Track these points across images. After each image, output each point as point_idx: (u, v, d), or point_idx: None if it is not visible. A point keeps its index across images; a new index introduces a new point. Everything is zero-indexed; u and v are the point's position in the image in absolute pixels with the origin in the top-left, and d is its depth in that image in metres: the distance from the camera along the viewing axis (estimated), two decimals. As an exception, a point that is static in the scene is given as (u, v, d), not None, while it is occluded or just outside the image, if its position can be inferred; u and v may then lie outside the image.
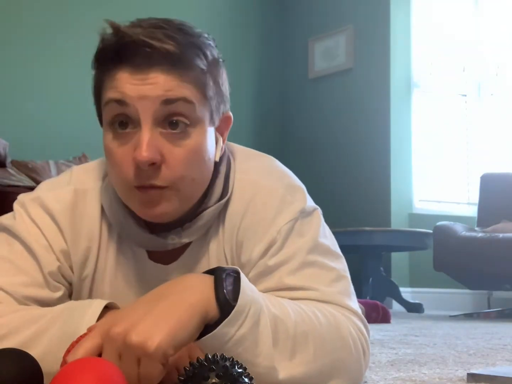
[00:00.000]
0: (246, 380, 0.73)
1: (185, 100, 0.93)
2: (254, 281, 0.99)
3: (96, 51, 0.96)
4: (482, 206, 4.41)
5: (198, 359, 0.73)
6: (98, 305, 0.91)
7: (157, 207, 0.95)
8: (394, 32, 4.87)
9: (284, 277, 1.00)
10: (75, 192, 1.07)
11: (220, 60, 1.01)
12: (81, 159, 3.89)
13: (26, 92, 4.15)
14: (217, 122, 1.01)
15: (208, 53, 0.97)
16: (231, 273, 0.86)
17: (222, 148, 1.04)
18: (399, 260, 4.76)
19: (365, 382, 1.19)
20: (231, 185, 1.05)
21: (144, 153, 0.90)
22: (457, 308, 4.65)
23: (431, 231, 4.05)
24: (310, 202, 1.07)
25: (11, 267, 1.01)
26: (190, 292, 0.82)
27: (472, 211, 4.82)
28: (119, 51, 0.92)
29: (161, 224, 1.01)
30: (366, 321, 1.04)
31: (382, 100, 4.85)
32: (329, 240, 1.07)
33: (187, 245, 1.06)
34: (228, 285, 0.84)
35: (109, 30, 0.93)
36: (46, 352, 0.88)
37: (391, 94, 4.82)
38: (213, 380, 0.70)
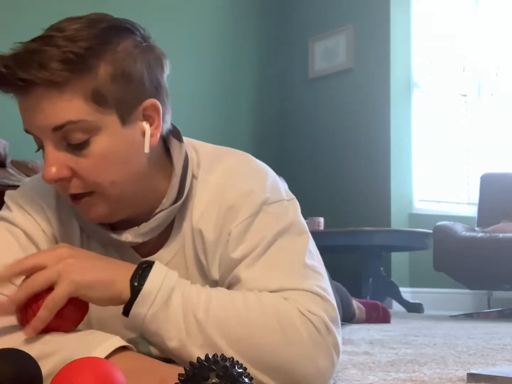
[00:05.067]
0: (246, 380, 0.73)
1: (71, 122, 0.95)
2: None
3: None
4: (482, 206, 4.41)
5: (198, 359, 0.72)
6: (113, 343, 0.90)
7: (89, 212, 1.02)
8: (394, 32, 4.87)
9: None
10: None
11: (130, 49, 0.97)
12: (81, 159, 3.88)
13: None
14: (132, 117, 0.99)
15: (101, 53, 0.95)
16: (151, 264, 0.96)
17: (155, 136, 1.02)
18: (399, 260, 4.76)
19: (365, 380, 1.19)
20: (188, 186, 1.06)
21: (48, 172, 0.96)
22: (457, 308, 4.65)
23: (431, 231, 4.05)
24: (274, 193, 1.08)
25: (19, 252, 1.05)
26: (119, 271, 0.95)
27: (472, 211, 4.81)
28: (1, 81, 0.96)
29: (122, 223, 1.06)
30: (325, 295, 1.00)
31: (382, 100, 4.85)
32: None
33: (166, 237, 1.09)
34: (142, 273, 0.95)
35: None
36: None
37: (391, 94, 4.81)
38: (213, 380, 0.70)
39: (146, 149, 1.01)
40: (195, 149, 1.12)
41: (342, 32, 5.08)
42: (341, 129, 5.06)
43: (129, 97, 0.98)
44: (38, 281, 0.91)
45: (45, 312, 0.90)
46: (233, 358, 0.74)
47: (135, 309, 0.93)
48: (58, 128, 0.95)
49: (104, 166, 0.98)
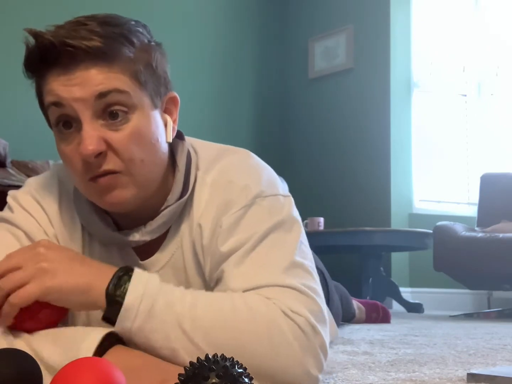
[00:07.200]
0: (246, 380, 0.73)
1: (118, 90, 0.96)
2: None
3: (24, 59, 0.98)
4: (482, 206, 4.41)
5: (198, 359, 0.72)
6: (97, 334, 0.91)
7: (113, 193, 0.99)
8: (394, 32, 4.87)
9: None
10: (59, 184, 1.13)
11: (153, 43, 1.03)
12: (81, 159, 3.88)
13: (27, 92, 4.14)
14: (159, 105, 1.03)
15: (135, 40, 0.99)
16: (128, 272, 0.95)
17: (174, 129, 1.07)
18: (399, 260, 4.76)
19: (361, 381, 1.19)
20: (192, 183, 1.07)
21: (88, 146, 0.94)
22: (457, 308, 4.65)
23: (431, 231, 4.05)
24: (268, 188, 1.07)
25: None
26: (97, 277, 0.94)
27: (472, 211, 4.82)
28: (43, 55, 0.95)
29: (126, 223, 1.06)
30: (310, 293, 0.99)
31: (382, 100, 4.85)
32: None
33: (163, 240, 1.09)
34: (118, 282, 0.93)
35: (31, 38, 0.95)
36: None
37: (391, 94, 4.81)
38: (213, 380, 0.70)
39: (169, 138, 1.04)
40: (195, 150, 1.13)
41: (342, 32, 5.09)
42: (341, 129, 5.06)
43: (157, 86, 1.02)
44: (10, 282, 0.91)
45: (7, 307, 0.91)
46: (233, 358, 0.74)
47: (120, 324, 0.92)
48: (103, 95, 0.95)
49: (139, 142, 0.98)
